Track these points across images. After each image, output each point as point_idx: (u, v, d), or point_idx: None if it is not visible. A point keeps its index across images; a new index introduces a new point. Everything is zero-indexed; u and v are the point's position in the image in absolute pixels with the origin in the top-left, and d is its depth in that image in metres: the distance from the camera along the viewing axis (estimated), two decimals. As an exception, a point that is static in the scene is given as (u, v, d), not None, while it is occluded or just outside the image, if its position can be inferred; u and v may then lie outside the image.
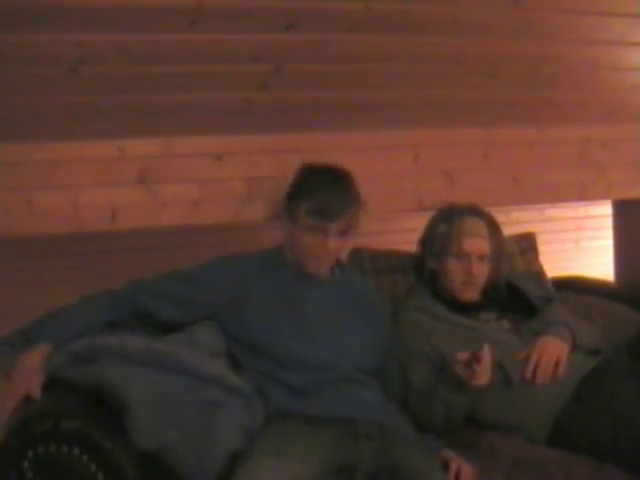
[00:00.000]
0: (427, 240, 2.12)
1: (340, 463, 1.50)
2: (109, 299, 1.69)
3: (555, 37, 2.00)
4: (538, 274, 2.38)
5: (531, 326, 1.96)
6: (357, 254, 2.22)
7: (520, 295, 2.11)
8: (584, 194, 2.61)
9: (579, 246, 3.99)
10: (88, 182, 1.96)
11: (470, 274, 2.00)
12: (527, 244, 2.44)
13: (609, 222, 2.88)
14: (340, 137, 2.21)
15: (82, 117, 1.89)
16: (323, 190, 1.72)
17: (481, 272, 2.02)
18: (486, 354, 1.66)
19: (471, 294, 2.03)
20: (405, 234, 2.30)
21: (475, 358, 1.64)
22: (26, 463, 1.30)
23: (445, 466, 1.61)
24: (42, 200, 1.91)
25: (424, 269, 2.12)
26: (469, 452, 1.67)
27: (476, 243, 2.02)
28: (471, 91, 2.21)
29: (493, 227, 2.09)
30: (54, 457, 1.32)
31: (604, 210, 3.05)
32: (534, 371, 1.80)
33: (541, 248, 2.48)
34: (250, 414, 1.55)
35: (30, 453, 1.30)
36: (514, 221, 3.39)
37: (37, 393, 1.44)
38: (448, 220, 2.07)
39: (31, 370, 1.49)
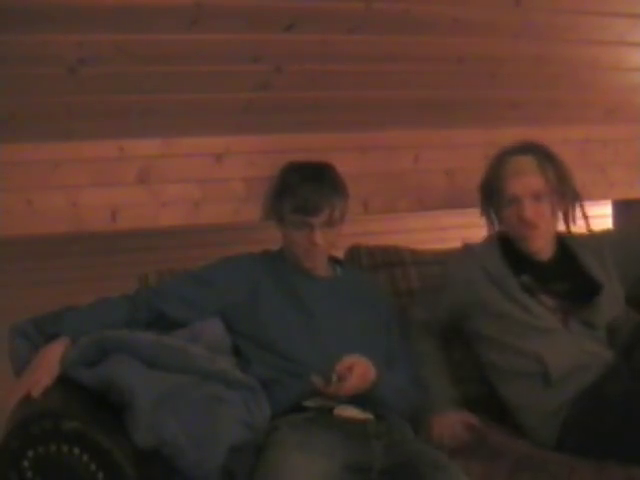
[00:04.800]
0: (484, 191, 1.91)
1: (355, 462, 1.51)
2: (125, 301, 1.69)
3: (556, 37, 2.00)
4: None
5: (581, 316, 1.78)
6: (354, 250, 2.21)
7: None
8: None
9: (579, 246, 3.98)
10: (88, 182, 1.96)
11: (523, 218, 1.76)
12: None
13: (609, 222, 2.87)
14: (340, 137, 2.21)
15: (82, 117, 1.89)
16: (303, 186, 1.74)
17: (538, 213, 1.77)
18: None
19: (537, 242, 1.80)
20: (405, 234, 2.30)
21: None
22: (26, 463, 1.29)
23: None
24: (42, 200, 1.91)
25: (489, 223, 1.92)
26: (473, 452, 1.67)
27: (524, 182, 1.78)
28: (472, 91, 2.21)
29: (548, 161, 1.82)
30: (54, 457, 1.31)
31: (604, 210, 3.05)
32: None
33: (541, 248, 2.48)
34: (255, 408, 1.56)
35: (30, 453, 1.29)
36: (514, 221, 3.39)
37: (38, 392, 1.44)
38: (495, 166, 1.86)
39: (46, 365, 1.49)
